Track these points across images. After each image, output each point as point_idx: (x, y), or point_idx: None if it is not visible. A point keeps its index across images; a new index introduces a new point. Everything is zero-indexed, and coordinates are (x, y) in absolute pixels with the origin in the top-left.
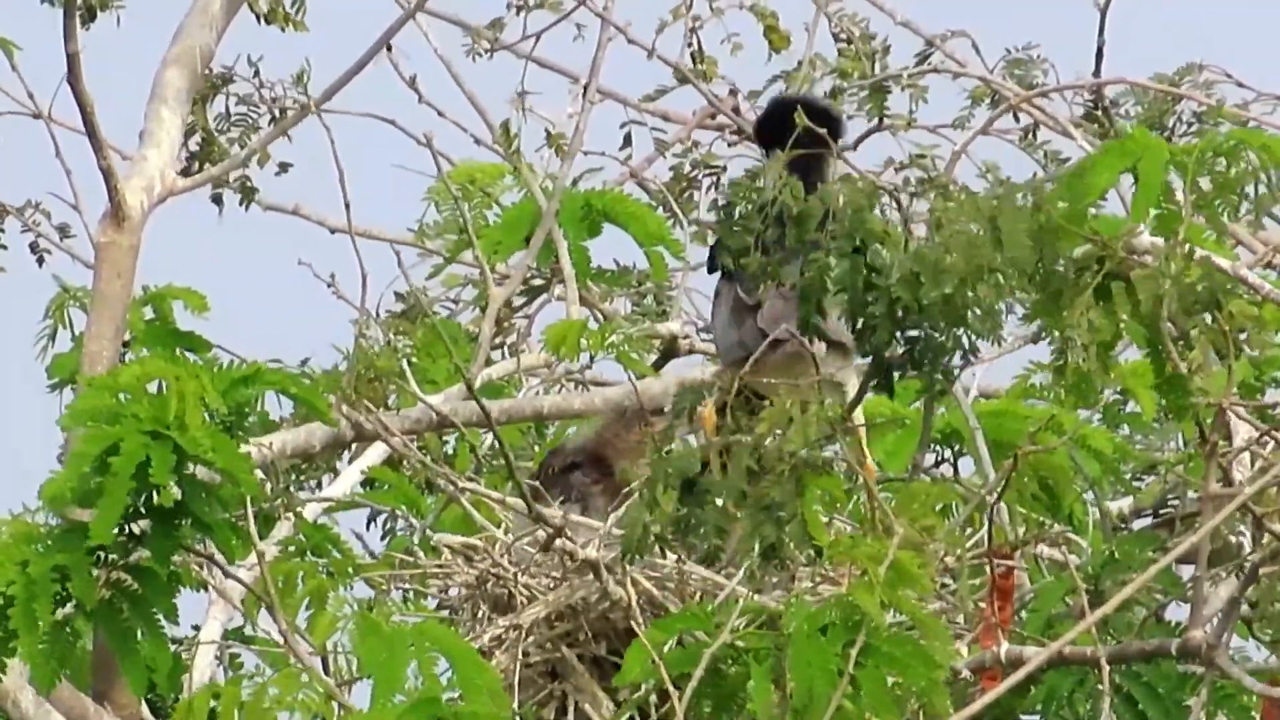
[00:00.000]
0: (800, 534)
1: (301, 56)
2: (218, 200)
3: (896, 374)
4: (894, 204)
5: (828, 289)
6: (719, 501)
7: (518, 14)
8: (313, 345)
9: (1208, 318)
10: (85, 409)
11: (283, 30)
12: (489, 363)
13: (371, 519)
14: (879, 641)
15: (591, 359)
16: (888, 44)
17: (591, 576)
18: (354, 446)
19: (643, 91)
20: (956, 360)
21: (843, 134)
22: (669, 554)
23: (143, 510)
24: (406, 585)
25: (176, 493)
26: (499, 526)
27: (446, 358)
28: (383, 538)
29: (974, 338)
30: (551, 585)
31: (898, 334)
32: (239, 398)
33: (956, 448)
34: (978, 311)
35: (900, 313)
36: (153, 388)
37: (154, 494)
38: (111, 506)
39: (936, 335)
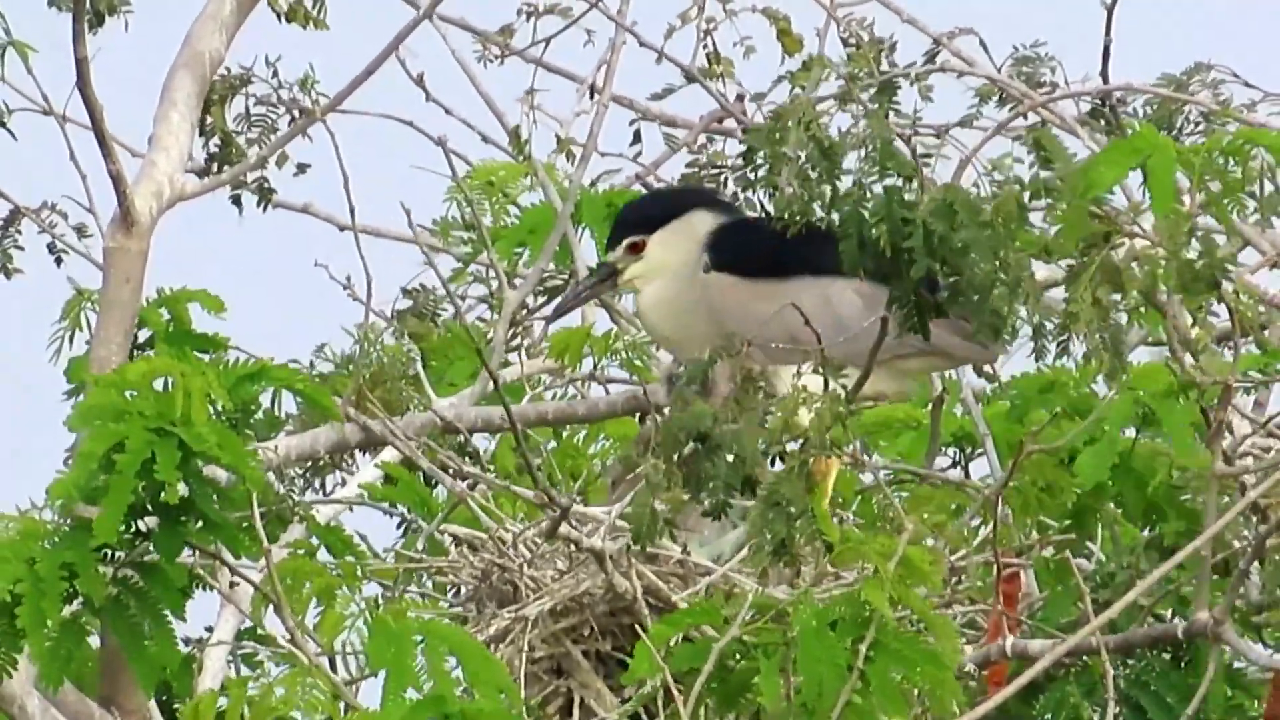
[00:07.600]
0: (810, 530)
1: (318, 55)
2: (237, 201)
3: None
4: (909, 151)
5: (865, 221)
6: (730, 457)
7: (528, 19)
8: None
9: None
10: (92, 407)
11: (304, 28)
12: (504, 365)
13: (390, 511)
14: (888, 638)
15: (596, 365)
16: (894, 41)
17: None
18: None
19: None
20: (1005, 298)
21: None
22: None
23: (150, 507)
24: (420, 590)
25: (183, 490)
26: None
27: (462, 359)
28: (398, 526)
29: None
30: (556, 577)
31: (939, 268)
32: (245, 395)
33: (969, 450)
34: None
35: (936, 242)
36: (159, 385)
37: (160, 491)
38: (116, 504)
39: (980, 270)
